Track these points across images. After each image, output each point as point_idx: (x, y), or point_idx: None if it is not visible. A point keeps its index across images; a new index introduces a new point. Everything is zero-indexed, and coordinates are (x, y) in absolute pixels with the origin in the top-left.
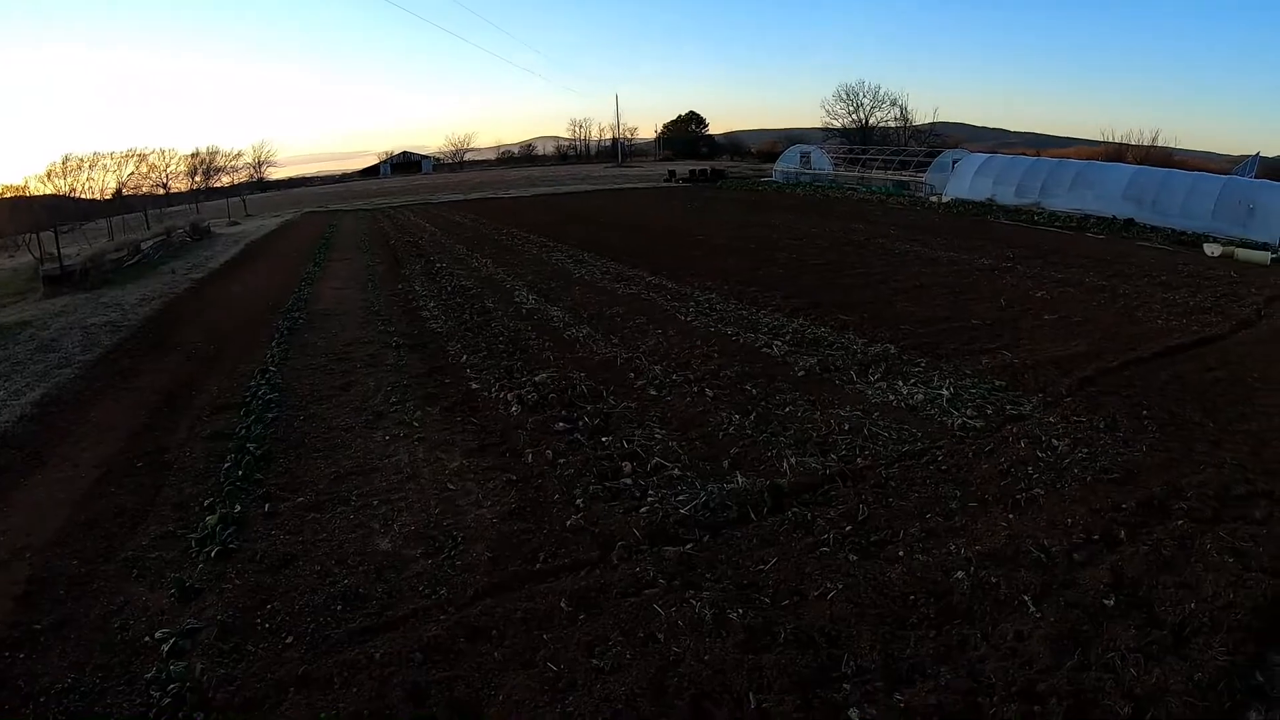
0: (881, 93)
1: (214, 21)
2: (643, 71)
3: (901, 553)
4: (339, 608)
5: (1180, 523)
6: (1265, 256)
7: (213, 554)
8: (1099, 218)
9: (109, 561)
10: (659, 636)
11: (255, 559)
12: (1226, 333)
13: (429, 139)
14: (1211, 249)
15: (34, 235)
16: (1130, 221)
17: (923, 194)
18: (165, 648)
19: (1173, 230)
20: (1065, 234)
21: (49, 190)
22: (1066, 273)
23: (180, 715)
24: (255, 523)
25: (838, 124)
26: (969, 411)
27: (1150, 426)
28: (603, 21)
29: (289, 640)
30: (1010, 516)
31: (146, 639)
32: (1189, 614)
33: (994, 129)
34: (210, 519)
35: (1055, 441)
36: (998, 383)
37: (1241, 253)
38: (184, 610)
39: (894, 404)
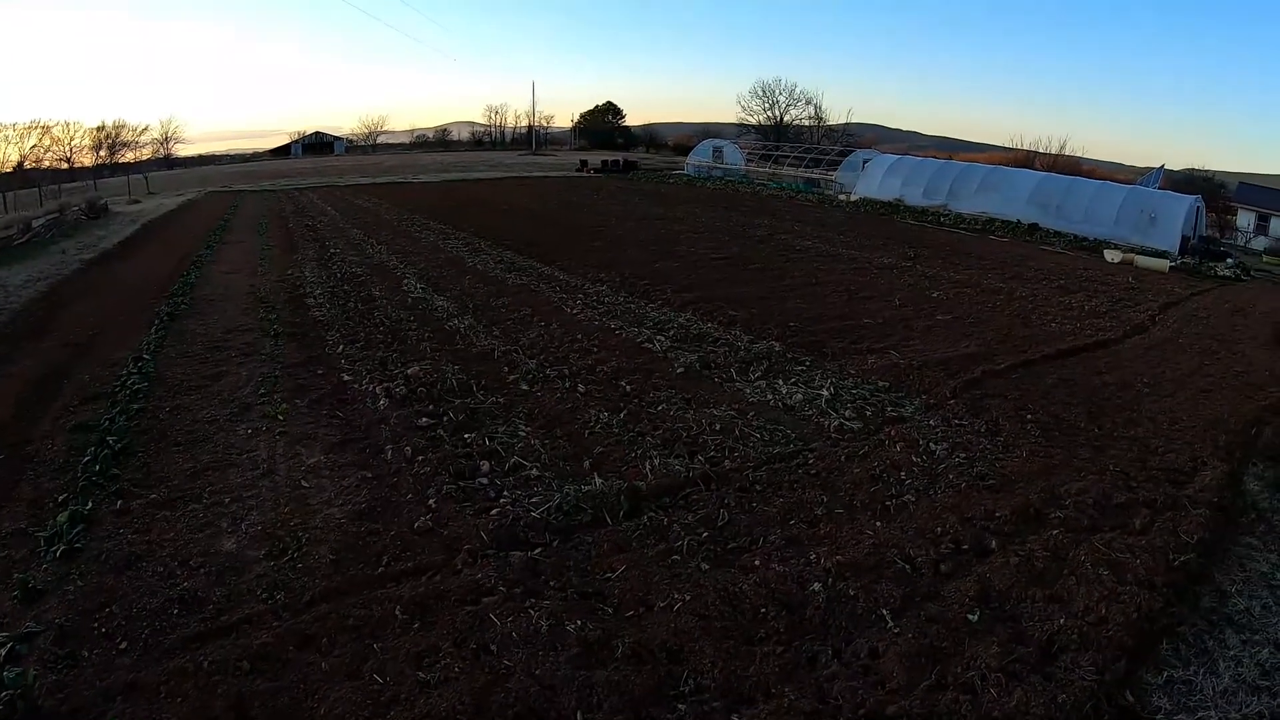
0: (797, 91)
1: None
2: (562, 60)
3: (758, 562)
4: (175, 612)
5: (1056, 532)
6: (1164, 264)
7: (59, 553)
8: (1004, 221)
9: None
10: (492, 648)
11: (100, 559)
12: (1119, 337)
13: (343, 120)
14: (1112, 255)
15: None
16: (1035, 226)
17: (832, 192)
18: (2, 653)
19: (1076, 236)
20: (969, 236)
21: None
22: (966, 274)
23: None
24: (105, 520)
25: (753, 120)
26: (848, 412)
27: (1033, 431)
28: (522, 7)
29: (123, 646)
30: (878, 524)
31: None
32: (1058, 630)
33: (908, 131)
34: (61, 516)
35: (933, 446)
36: (881, 383)
37: (1142, 259)
38: (26, 613)
39: (771, 403)
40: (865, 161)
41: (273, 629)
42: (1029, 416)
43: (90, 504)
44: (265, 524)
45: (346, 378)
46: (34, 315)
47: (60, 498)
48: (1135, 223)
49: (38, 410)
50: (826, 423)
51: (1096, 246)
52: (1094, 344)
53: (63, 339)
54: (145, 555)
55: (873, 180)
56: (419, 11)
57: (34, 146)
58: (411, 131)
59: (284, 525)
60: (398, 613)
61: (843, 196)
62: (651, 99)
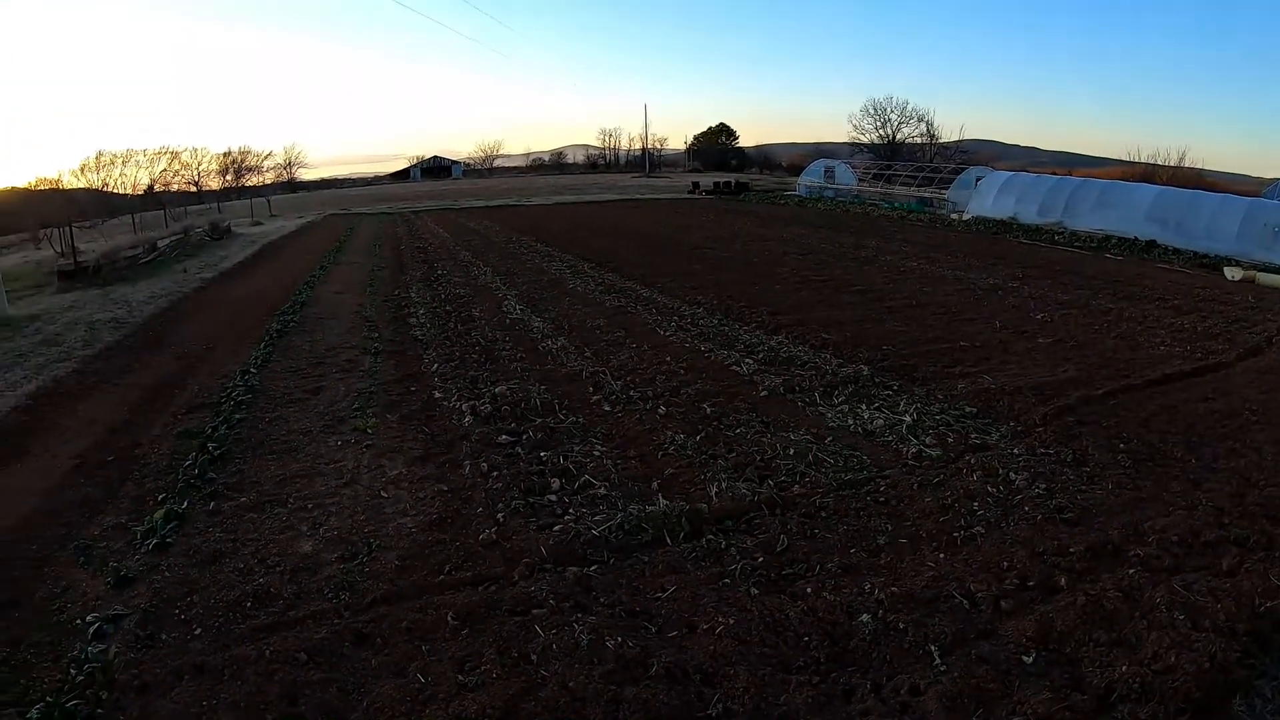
0: (909, 108)
1: (254, 23)
2: (674, 83)
3: (809, 589)
4: (248, 604)
5: (1132, 571)
6: None
7: (152, 546)
8: (1120, 238)
9: (63, 548)
10: (532, 658)
11: (188, 553)
12: (1231, 361)
13: (461, 144)
14: (1232, 272)
15: (57, 229)
16: (1152, 243)
17: (945, 211)
18: (91, 631)
19: (1195, 253)
20: (1083, 255)
21: (83, 184)
22: (1074, 294)
23: (88, 693)
24: (198, 519)
25: (865, 139)
26: (928, 439)
27: (1124, 461)
28: (635, 32)
29: (198, 632)
30: (941, 556)
31: (78, 621)
32: (1118, 678)
33: (1025, 147)
34: (158, 513)
35: (1012, 475)
36: (969, 409)
37: (1264, 277)
38: (116, 597)
39: (851, 429)
40: (978, 179)
41: (333, 625)
42: (1121, 445)
43: (185, 504)
44: (342, 529)
45: (437, 395)
46: (153, 329)
47: (159, 497)
48: (1259, 237)
49: (149, 417)
50: (905, 449)
51: (1217, 264)
52: (1203, 368)
53: (178, 352)
54: (229, 552)
55: (986, 198)
56: (528, 38)
57: (163, 171)
58: (527, 155)
59: (358, 531)
60: (450, 619)
61: (955, 215)
62: (765, 119)
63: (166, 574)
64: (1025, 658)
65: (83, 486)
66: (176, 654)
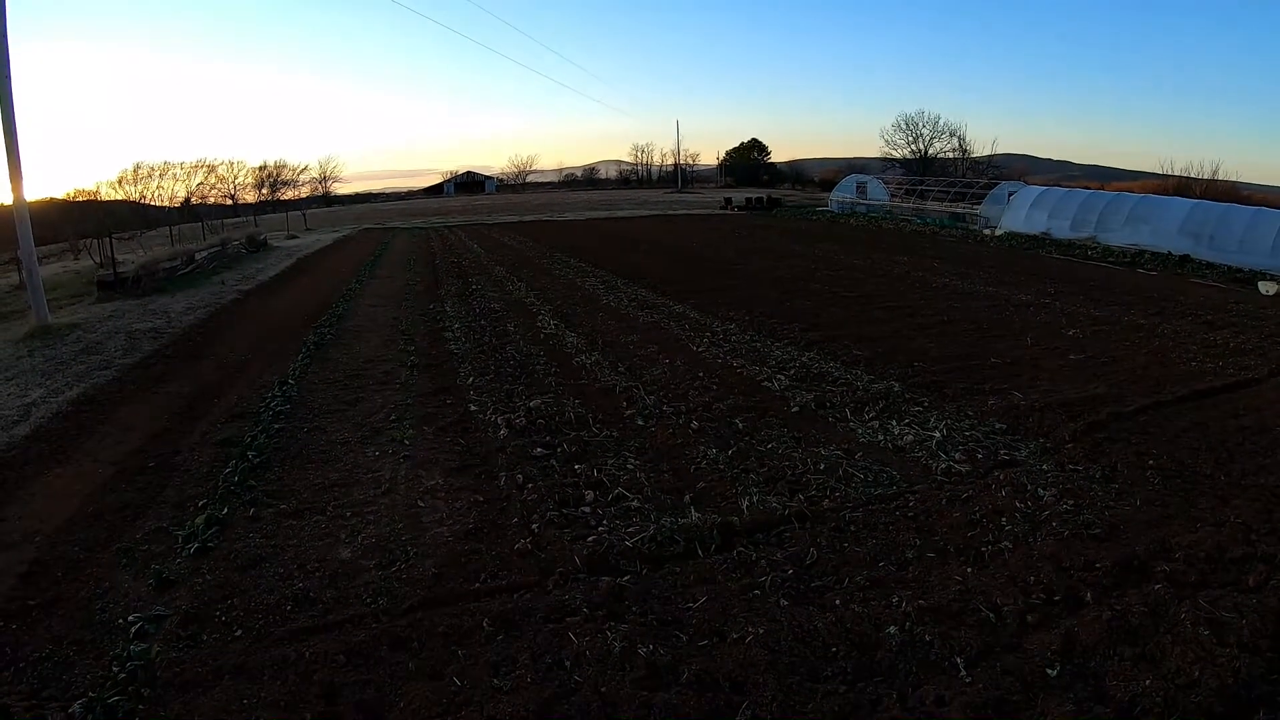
0: (941, 123)
1: (290, 39)
2: (706, 98)
3: (838, 601)
4: (288, 608)
5: (1158, 587)
6: None
7: (193, 550)
8: (1154, 253)
9: (105, 550)
10: (565, 664)
11: (229, 558)
12: (1263, 376)
13: (495, 159)
14: (1267, 287)
15: (97, 240)
16: (1186, 257)
17: (977, 226)
18: (133, 630)
19: (1229, 267)
20: (1116, 270)
21: (120, 196)
22: (1107, 310)
23: (130, 689)
24: (238, 525)
25: (897, 154)
26: (958, 455)
27: (1153, 478)
28: (667, 49)
29: (238, 633)
30: (968, 570)
31: (120, 621)
32: (1141, 691)
33: (1057, 161)
34: (199, 519)
35: (1041, 491)
36: (998, 425)
37: None
38: (157, 598)
39: (881, 444)
40: (1011, 194)
41: (371, 629)
42: (1150, 462)
43: (226, 510)
44: (380, 537)
45: (473, 408)
46: (192, 340)
47: (200, 503)
48: None
49: (189, 425)
50: (934, 465)
51: (1252, 278)
52: (1235, 384)
53: (217, 362)
54: (269, 557)
55: (1018, 213)
56: (562, 55)
57: (200, 184)
58: (560, 170)
59: (396, 539)
60: (485, 625)
61: (988, 231)
62: (797, 134)
63: (207, 577)
64: (1049, 670)
65: (124, 491)
66: (217, 654)
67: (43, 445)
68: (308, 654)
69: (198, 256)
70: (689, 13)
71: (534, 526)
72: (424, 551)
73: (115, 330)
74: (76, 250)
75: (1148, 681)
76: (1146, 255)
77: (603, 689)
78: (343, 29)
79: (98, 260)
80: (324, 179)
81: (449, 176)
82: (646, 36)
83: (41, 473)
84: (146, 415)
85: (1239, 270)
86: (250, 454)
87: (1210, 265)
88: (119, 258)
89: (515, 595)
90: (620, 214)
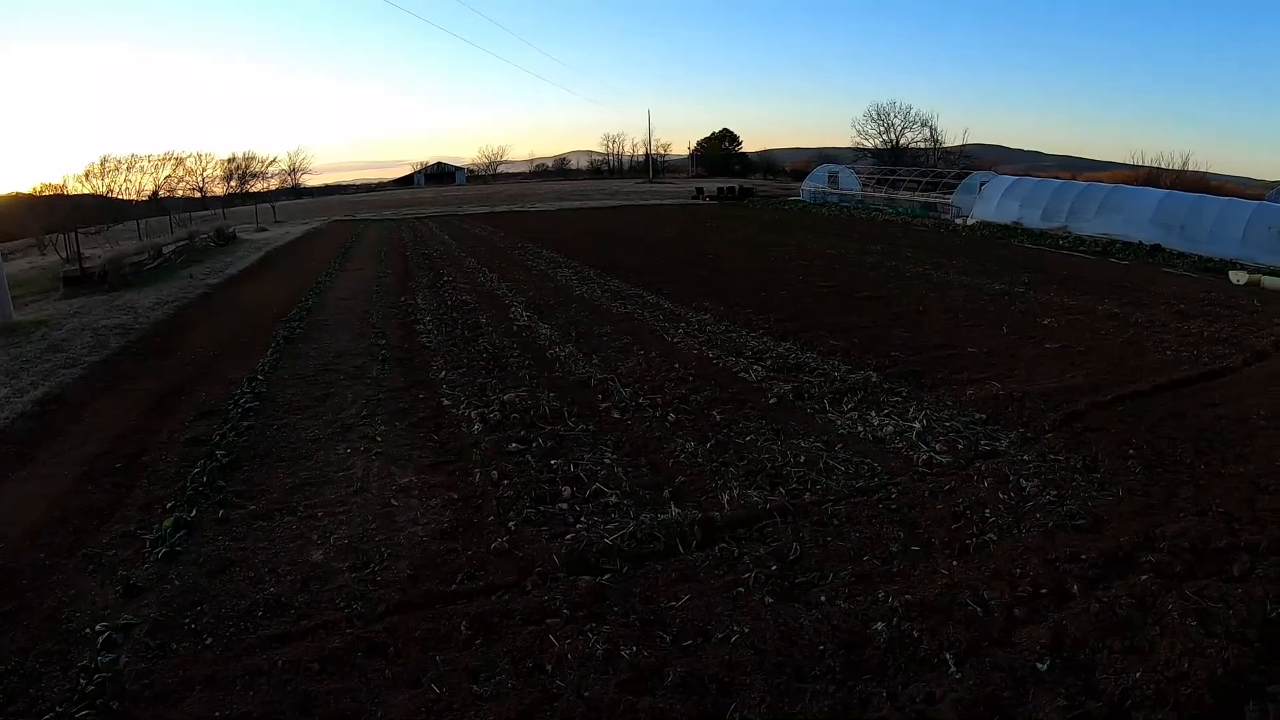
0: (913, 113)
1: (257, 29)
2: (678, 88)
3: (823, 598)
4: (260, 614)
5: (1145, 578)
6: None
7: (161, 555)
8: (1125, 243)
9: (71, 556)
10: (547, 668)
11: (198, 562)
12: (1238, 365)
13: (465, 150)
14: (1237, 276)
15: (63, 235)
16: (1157, 247)
17: (949, 216)
18: (101, 640)
19: (1200, 257)
20: (1088, 259)
21: (87, 190)
22: (1080, 299)
23: (98, 702)
24: (207, 528)
25: (869, 144)
26: (938, 446)
27: (1134, 468)
28: (639, 38)
29: (209, 641)
30: (954, 564)
31: (87, 630)
32: (1132, 684)
33: (1029, 151)
34: (167, 522)
35: (1023, 482)
36: (978, 415)
37: (1269, 280)
38: (125, 606)
39: (861, 435)
40: (982, 184)
41: (346, 635)
42: (1131, 452)
43: (194, 512)
44: (353, 538)
45: (446, 402)
46: (160, 336)
47: (168, 505)
48: (1264, 241)
49: (156, 423)
50: (915, 456)
51: (1222, 268)
52: (1210, 373)
53: (185, 359)
54: (239, 561)
55: (990, 203)
56: (534, 45)
57: (168, 177)
58: (531, 160)
59: (369, 540)
60: (463, 628)
61: (959, 220)
62: (768, 124)
63: (176, 583)
64: (1039, 665)
65: (90, 493)
66: (188, 664)
67: (7, 447)
68: (281, 662)
69: (165, 250)
70: (661, 2)
71: (511, 524)
72: (398, 552)
73: (82, 327)
74: (43, 245)
75: (1138, 674)
76: (1118, 245)
77: (586, 694)
78: (311, 19)
79: (64, 255)
80: (293, 171)
81: (420, 168)
82: (618, 26)
83: (6, 476)
84: (113, 414)
85: (1210, 260)
86: (219, 453)
87: (1181, 255)
88: (86, 252)
89: (493, 596)
90: (592, 204)
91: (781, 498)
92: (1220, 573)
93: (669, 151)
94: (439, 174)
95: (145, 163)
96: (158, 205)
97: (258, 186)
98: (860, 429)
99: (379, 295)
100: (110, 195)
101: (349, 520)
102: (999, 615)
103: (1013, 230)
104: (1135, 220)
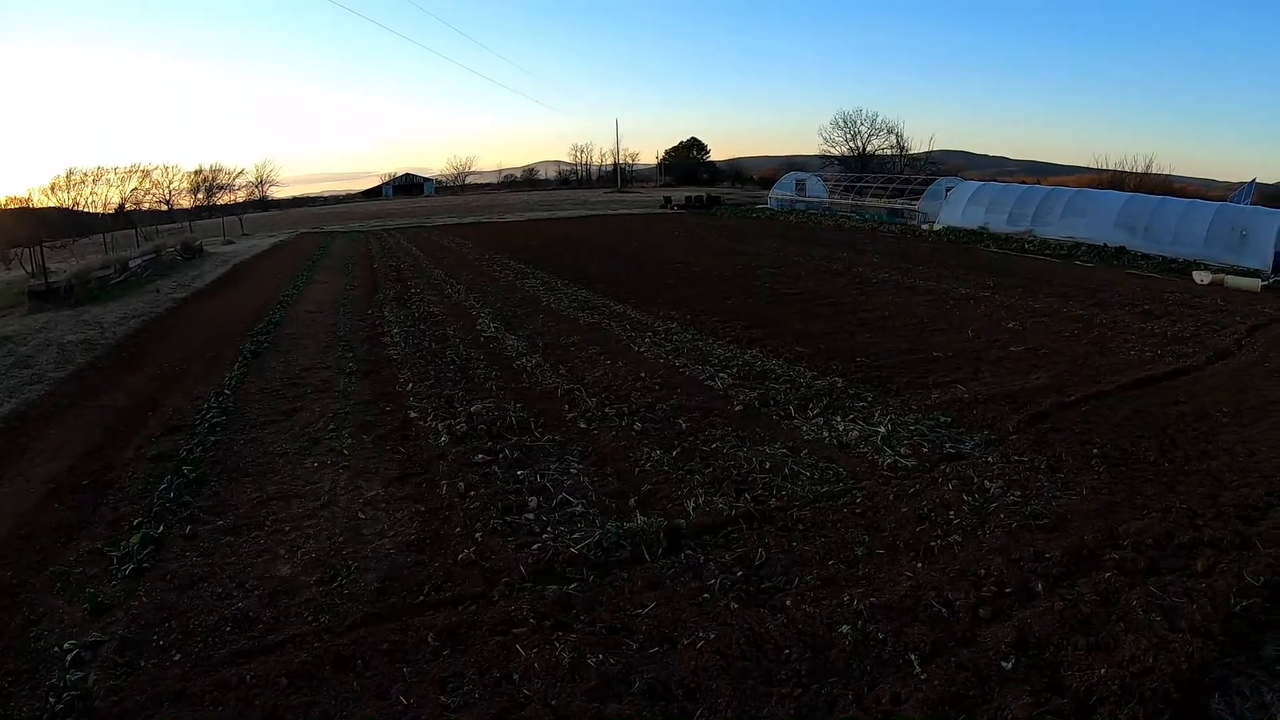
0: (879, 120)
1: (224, 41)
2: (646, 98)
3: (789, 602)
4: (228, 629)
5: (1108, 575)
6: (1255, 283)
7: (129, 571)
8: (1090, 245)
9: (39, 574)
10: (514, 677)
11: (166, 578)
12: (1201, 364)
13: (433, 161)
14: (1201, 276)
15: (29, 249)
16: (1122, 249)
17: (916, 222)
18: (69, 658)
19: (1164, 258)
20: (1053, 262)
21: (53, 203)
22: (1045, 302)
23: None
24: (174, 544)
25: (835, 151)
26: (903, 450)
27: (1097, 466)
28: (606, 49)
29: (177, 657)
30: (919, 565)
31: (56, 649)
32: (1098, 680)
33: (994, 157)
34: (134, 538)
35: (987, 483)
36: (943, 418)
37: (1231, 280)
38: (94, 624)
39: (826, 441)
40: (949, 189)
41: (313, 649)
42: (1094, 451)
43: (161, 528)
44: (320, 552)
45: (413, 415)
46: (126, 351)
47: (135, 521)
48: (1226, 241)
49: (123, 439)
50: (880, 460)
51: (1185, 268)
52: (1173, 371)
53: (152, 373)
54: (207, 576)
55: (956, 208)
56: (502, 56)
57: (134, 189)
58: (499, 171)
59: (337, 553)
60: (430, 639)
61: (926, 226)
62: (736, 133)
63: (144, 599)
64: (1005, 664)
65: (57, 511)
66: (156, 680)
67: None
68: (249, 677)
69: (131, 264)
70: (628, 12)
71: (477, 536)
72: (366, 565)
73: (47, 342)
74: (8, 260)
75: (1103, 670)
76: (1083, 248)
77: (553, 702)
78: (279, 30)
79: (29, 270)
80: (261, 183)
81: (387, 179)
82: (585, 36)
83: None
84: (80, 431)
85: (1173, 261)
86: (186, 468)
87: (1145, 256)
88: (51, 267)
89: (460, 608)
90: (560, 214)
91: (747, 504)
92: (1184, 568)
93: (637, 161)
94: (407, 185)
95: (112, 175)
96: (124, 219)
97: (225, 199)
98: (826, 434)
99: (346, 308)
100: (76, 209)
101: (316, 534)
102: (964, 615)
103: (979, 235)
104: (1100, 223)
